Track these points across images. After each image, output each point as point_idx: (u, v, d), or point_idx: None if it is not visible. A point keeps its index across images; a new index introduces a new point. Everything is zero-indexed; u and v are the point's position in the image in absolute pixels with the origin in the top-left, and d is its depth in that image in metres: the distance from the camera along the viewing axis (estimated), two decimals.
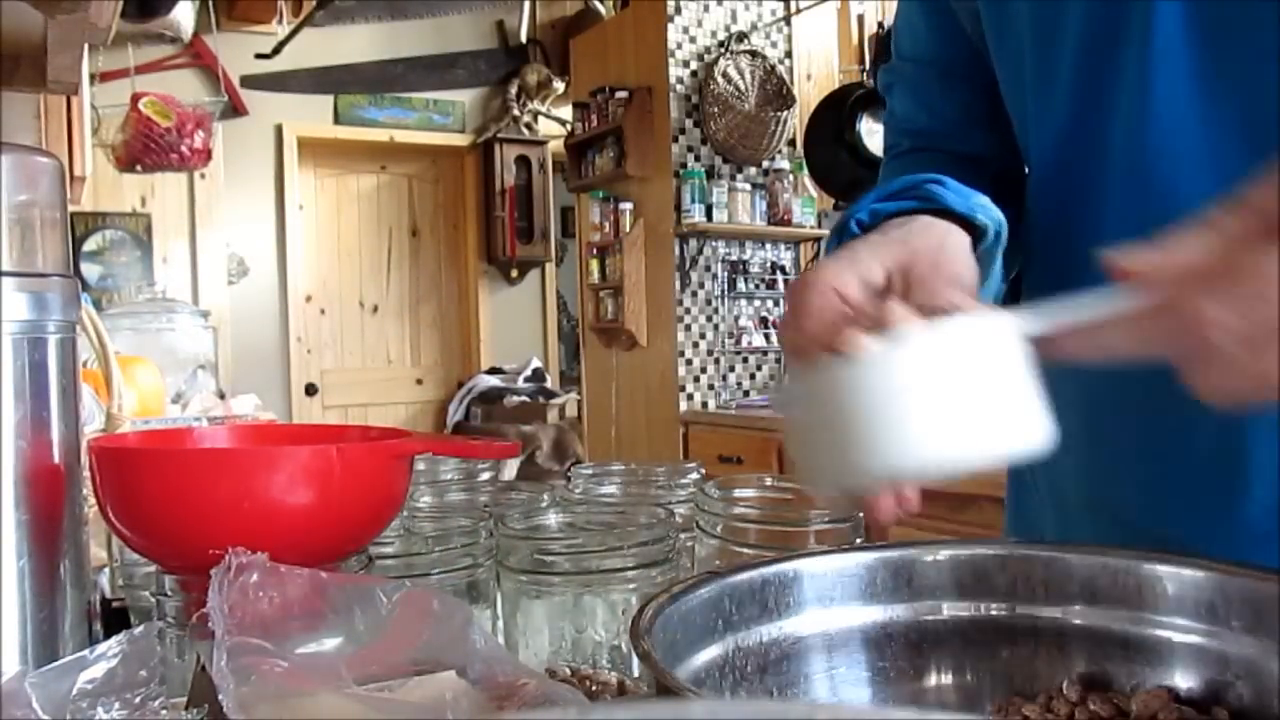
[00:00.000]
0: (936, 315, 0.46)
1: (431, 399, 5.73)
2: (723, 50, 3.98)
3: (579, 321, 4.66)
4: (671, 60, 3.97)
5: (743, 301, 4.09)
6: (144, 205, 4.88)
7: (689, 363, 3.99)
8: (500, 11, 5.59)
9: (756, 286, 4.09)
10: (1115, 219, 0.67)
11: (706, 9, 4.03)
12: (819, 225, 4.06)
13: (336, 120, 5.36)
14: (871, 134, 3.55)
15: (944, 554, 0.54)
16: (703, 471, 0.86)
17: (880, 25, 3.84)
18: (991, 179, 0.72)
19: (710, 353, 4.03)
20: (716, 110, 3.87)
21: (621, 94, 4.07)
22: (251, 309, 5.17)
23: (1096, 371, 0.72)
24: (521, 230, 5.62)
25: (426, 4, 5.37)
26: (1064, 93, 0.70)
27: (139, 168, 3.60)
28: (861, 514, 0.69)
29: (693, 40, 4.01)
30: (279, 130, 5.22)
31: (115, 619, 0.75)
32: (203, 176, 4.83)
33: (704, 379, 4.02)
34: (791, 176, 4.01)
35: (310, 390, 5.41)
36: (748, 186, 3.99)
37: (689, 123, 3.98)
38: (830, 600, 0.53)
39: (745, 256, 4.08)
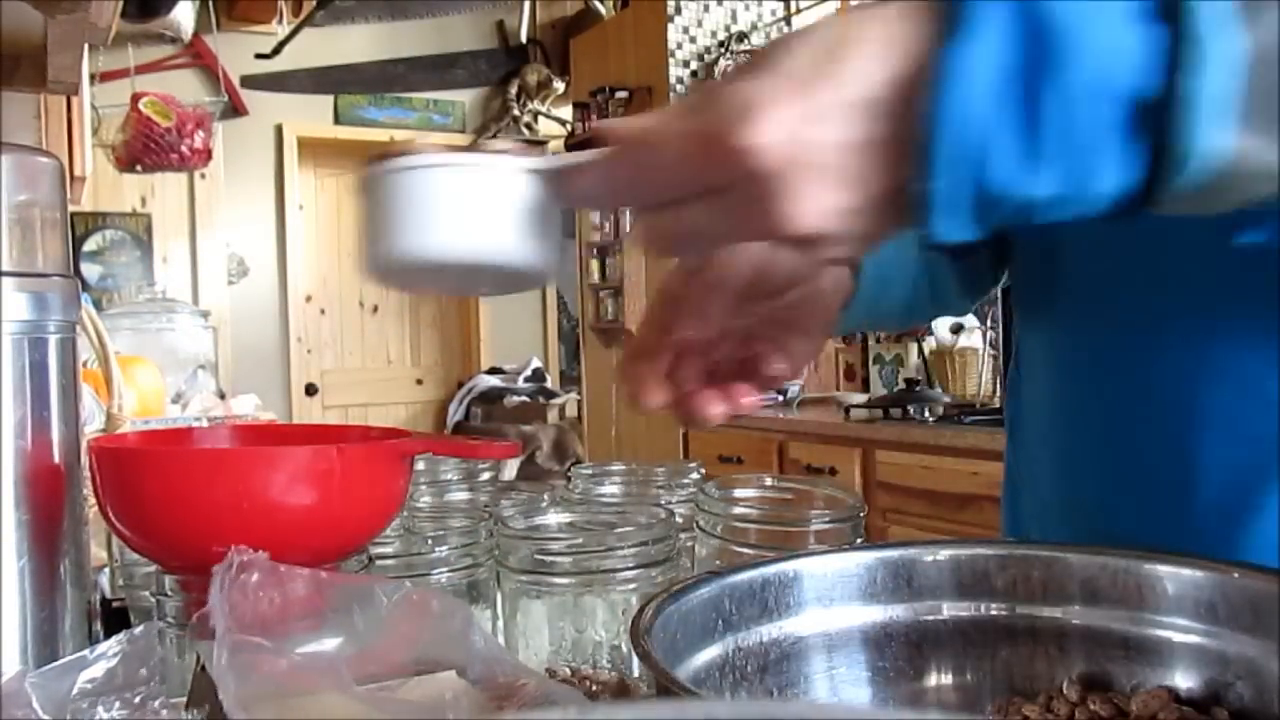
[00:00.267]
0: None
1: (431, 399, 5.73)
2: (723, 50, 3.98)
3: (579, 321, 4.66)
4: (671, 60, 3.97)
5: None
6: (144, 205, 4.88)
7: None
8: (500, 11, 5.59)
9: None
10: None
11: (706, 9, 4.03)
12: None
13: (336, 120, 5.37)
14: None
15: (944, 554, 0.54)
16: (703, 471, 0.86)
17: None
18: None
19: None
20: None
21: (621, 94, 4.07)
22: (251, 309, 5.17)
23: (1069, 375, 0.72)
24: None
25: (426, 4, 5.38)
26: None
27: (139, 168, 3.60)
28: (862, 514, 0.69)
29: (693, 40, 4.01)
30: (279, 130, 5.22)
31: (115, 619, 0.75)
32: (203, 176, 4.83)
33: None
34: None
35: (310, 390, 5.41)
36: None
37: None
38: (830, 600, 0.53)
39: None
